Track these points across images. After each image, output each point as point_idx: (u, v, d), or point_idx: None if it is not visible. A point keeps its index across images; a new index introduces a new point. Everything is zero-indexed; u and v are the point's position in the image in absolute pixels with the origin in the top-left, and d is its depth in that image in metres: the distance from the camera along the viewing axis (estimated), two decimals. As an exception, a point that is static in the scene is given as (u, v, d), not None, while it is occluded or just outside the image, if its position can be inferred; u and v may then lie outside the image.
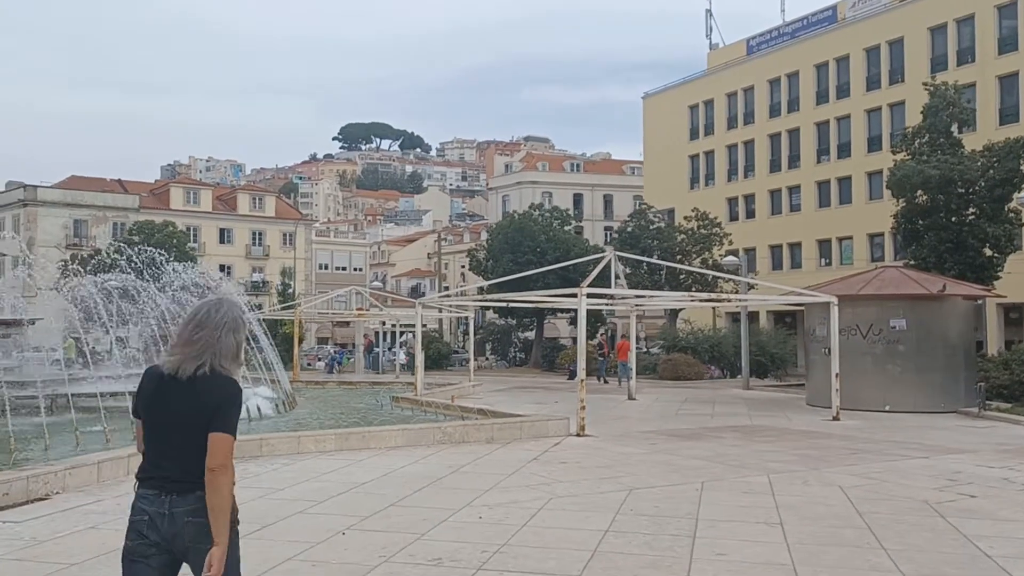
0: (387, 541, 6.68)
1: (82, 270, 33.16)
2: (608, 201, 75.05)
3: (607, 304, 26.53)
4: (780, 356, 34.54)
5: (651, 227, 44.18)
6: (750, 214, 55.91)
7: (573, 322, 34.98)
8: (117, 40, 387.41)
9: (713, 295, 26.05)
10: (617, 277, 19.47)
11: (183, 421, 3.27)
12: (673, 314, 43.95)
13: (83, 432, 12.28)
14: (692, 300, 27.95)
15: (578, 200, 73.44)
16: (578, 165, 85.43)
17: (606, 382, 29.59)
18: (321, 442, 11.56)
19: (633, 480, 9.68)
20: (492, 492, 8.84)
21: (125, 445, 10.98)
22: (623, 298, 21.49)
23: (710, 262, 40.67)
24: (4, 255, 48.79)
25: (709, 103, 59.36)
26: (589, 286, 16.05)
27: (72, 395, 13.56)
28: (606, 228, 65.92)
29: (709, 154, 59.38)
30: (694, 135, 60.68)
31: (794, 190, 53.40)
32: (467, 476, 9.85)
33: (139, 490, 3.37)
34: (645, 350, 44.97)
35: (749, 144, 56.29)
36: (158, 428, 3.34)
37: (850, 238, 49.30)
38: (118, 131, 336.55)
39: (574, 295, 15.43)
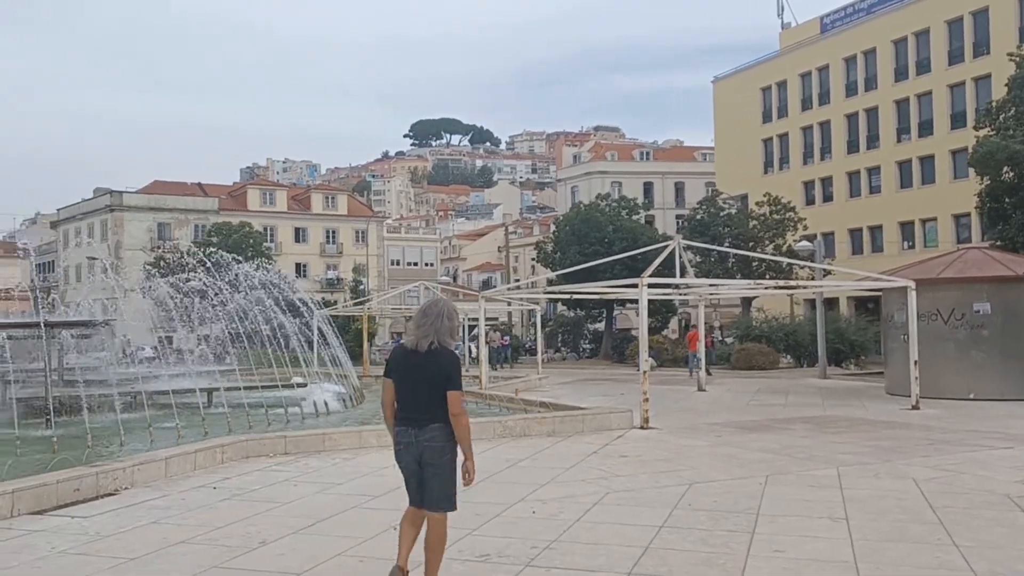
0: (437, 536, 6.65)
1: (164, 269, 34.41)
2: (679, 189, 73.92)
3: (680, 294, 26.03)
4: (860, 343, 33.35)
5: (722, 214, 43.26)
6: (827, 198, 54.20)
7: (649, 312, 34.29)
8: (198, 48, 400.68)
9: (782, 282, 25.24)
10: (684, 266, 19.08)
11: (424, 380, 5.07)
12: (747, 303, 42.99)
13: (157, 428, 12.71)
14: (761, 287, 27.19)
15: (648, 189, 72.55)
16: (648, 153, 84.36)
17: (709, 373, 28.00)
18: (383, 437, 11.59)
19: (694, 474, 9.44)
20: (548, 487, 8.74)
21: (195, 440, 11.34)
22: (687, 287, 21.03)
23: (784, 248, 39.60)
24: (94, 259, 51.05)
25: (782, 84, 57.74)
26: (654, 275, 15.76)
27: (146, 393, 14.04)
28: (677, 216, 64.80)
29: (783, 137, 57.78)
30: (767, 118, 59.14)
31: (873, 171, 51.50)
32: (524, 470, 9.78)
33: (397, 427, 5.23)
34: (720, 339, 44.18)
35: (825, 125, 54.53)
36: (406, 385, 5.16)
37: (934, 220, 47.30)
38: (199, 136, 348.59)
39: (635, 285, 15.15)
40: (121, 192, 64.30)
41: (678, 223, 60.78)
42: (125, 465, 8.97)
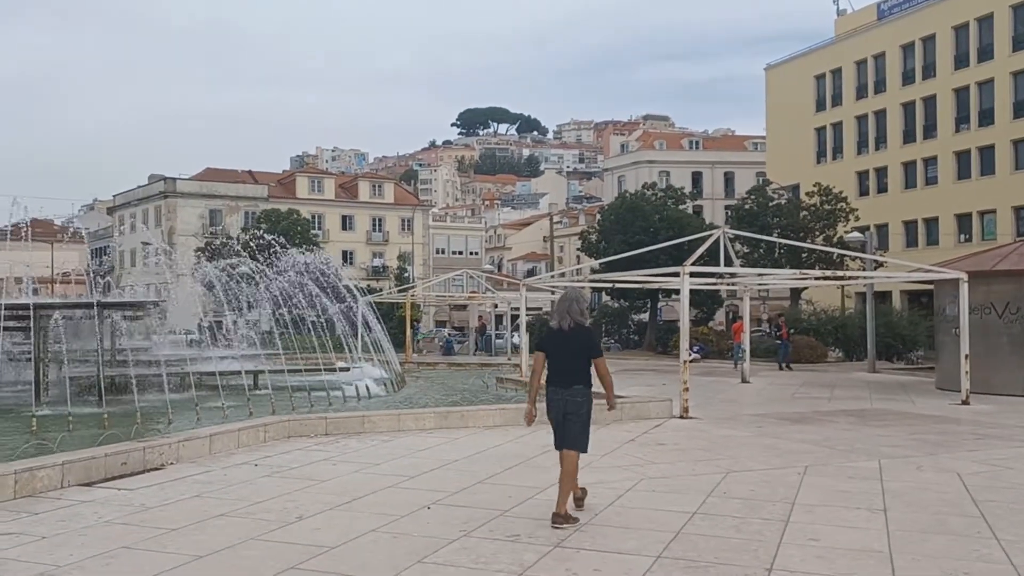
0: (469, 516, 6.73)
1: (214, 255, 35.12)
2: (729, 179, 72.94)
3: (726, 285, 25.67)
4: (911, 337, 32.56)
5: (771, 204, 42.53)
6: (881, 188, 52.94)
7: (692, 303, 33.71)
8: (249, 40, 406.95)
9: (830, 273, 24.71)
10: (730, 255, 18.83)
11: (569, 351, 6.72)
12: (795, 295, 42.28)
13: (203, 408, 13.02)
14: (809, 278, 26.67)
15: (697, 178, 71.72)
16: (697, 142, 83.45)
17: (789, 367, 26.64)
18: (421, 420, 11.78)
19: (731, 463, 9.35)
20: (582, 472, 8.62)
21: (240, 419, 11.59)
22: (732, 277, 20.76)
23: (835, 239, 38.81)
24: (147, 244, 52.33)
25: (837, 72, 56.48)
26: (698, 265, 15.59)
27: (194, 373, 14.38)
28: (727, 207, 63.93)
29: (837, 126, 56.56)
30: (820, 106, 57.93)
31: (930, 162, 50.15)
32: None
33: (548, 387, 6.77)
34: (767, 332, 43.53)
35: (880, 114, 53.21)
36: (557, 355, 6.76)
37: (993, 212, 45.88)
38: (251, 125, 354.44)
39: (678, 274, 15.01)
40: (175, 179, 65.73)
41: (727, 213, 59.98)
42: (171, 441, 9.22)
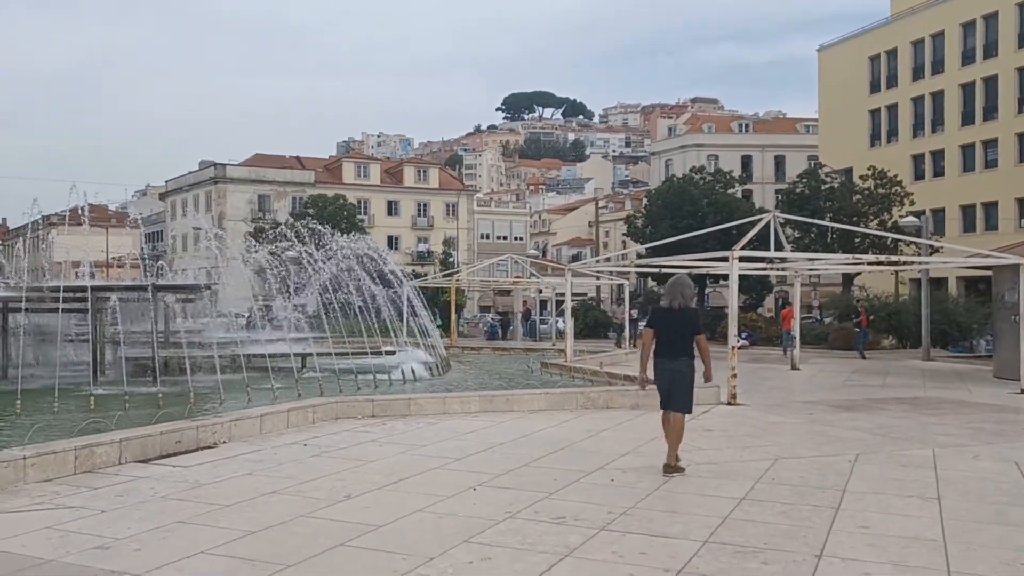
0: (514, 498, 6.75)
1: (263, 239, 35.67)
2: (779, 162, 71.65)
3: (776, 270, 25.26)
4: (968, 325, 31.68)
5: (823, 187, 41.68)
6: (938, 172, 51.49)
7: (741, 289, 32.97)
8: (296, 26, 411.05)
9: (884, 258, 24.14)
10: (780, 240, 18.52)
11: (676, 327, 7.85)
12: (847, 281, 41.46)
13: (253, 389, 13.28)
14: (862, 263, 26.09)
15: (746, 162, 70.61)
16: (747, 125, 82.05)
17: (863, 357, 25.73)
18: (466, 403, 11.85)
19: (780, 450, 9.23)
20: (628, 456, 8.72)
21: (289, 400, 11.79)
22: (783, 262, 20.41)
23: (889, 224, 37.91)
24: (199, 229, 53.38)
25: (892, 53, 54.95)
26: (747, 249, 15.35)
27: (245, 356, 14.66)
28: (777, 191, 62.82)
29: (892, 108, 55.09)
30: (875, 88, 56.47)
31: (990, 144, 48.59)
32: (605, 440, 9.78)
33: (656, 358, 7.91)
34: (817, 319, 42.79)
35: (938, 96, 51.67)
36: (665, 331, 7.88)
37: (1055, 195, 44.37)
38: (298, 111, 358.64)
39: (726, 259, 14.81)
40: (224, 165, 66.87)
41: (777, 197, 58.98)
42: (223, 420, 9.42)
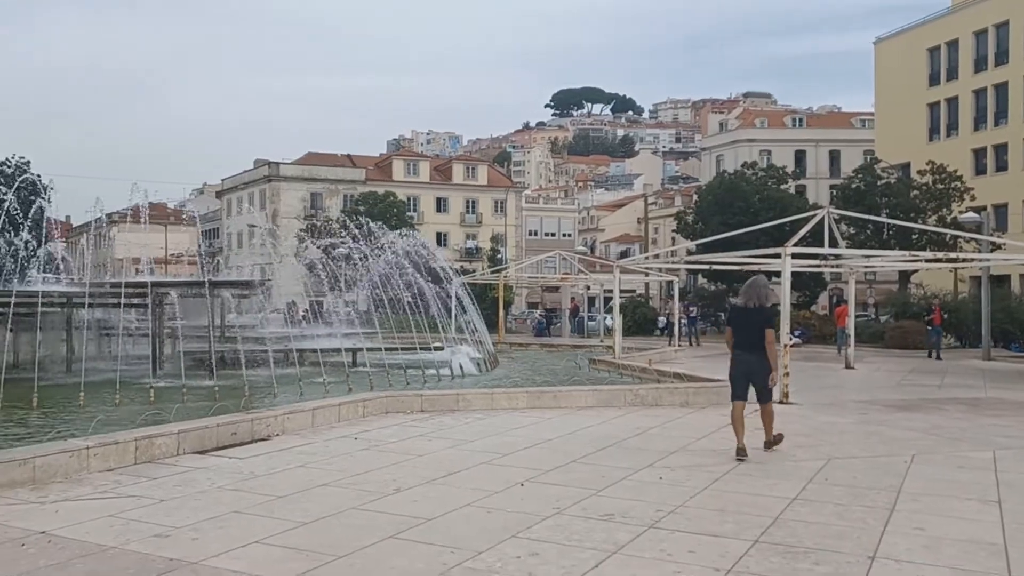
0: (562, 495, 6.76)
1: (315, 237, 36.24)
2: (834, 157, 70.24)
3: (830, 267, 24.76)
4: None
5: (879, 183, 40.71)
6: (1001, 166, 49.83)
7: (795, 286, 32.13)
8: (346, 26, 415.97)
9: (942, 255, 23.49)
10: (834, 236, 18.18)
11: (751, 325, 8.61)
12: (904, 278, 40.46)
13: (306, 383, 13.52)
14: (919, 260, 25.43)
15: (800, 157, 69.38)
16: (800, 120, 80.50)
17: (939, 358, 24.81)
18: (514, 399, 11.89)
19: (833, 450, 9.08)
20: (677, 455, 8.66)
21: (340, 395, 11.97)
22: (837, 258, 20.01)
23: (949, 220, 36.87)
24: (253, 226, 54.43)
25: (953, 44, 53.33)
26: (801, 245, 15.09)
27: (297, 351, 14.92)
28: (832, 186, 61.55)
29: (952, 101, 53.47)
30: (934, 80, 54.87)
31: (1056, 137, 46.88)
32: (653, 438, 9.72)
33: (734, 351, 8.78)
34: (873, 316, 41.87)
35: (1001, 88, 49.97)
36: (741, 328, 8.72)
37: None
38: (349, 109, 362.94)
39: (778, 255, 14.59)
40: (278, 163, 68.06)
41: (832, 193, 57.83)
42: (276, 414, 9.61)
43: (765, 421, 8.94)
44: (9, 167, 45.95)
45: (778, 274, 15.47)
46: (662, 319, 39.05)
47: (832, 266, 23.96)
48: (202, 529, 5.66)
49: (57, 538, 5.40)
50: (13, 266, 17.36)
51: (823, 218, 17.48)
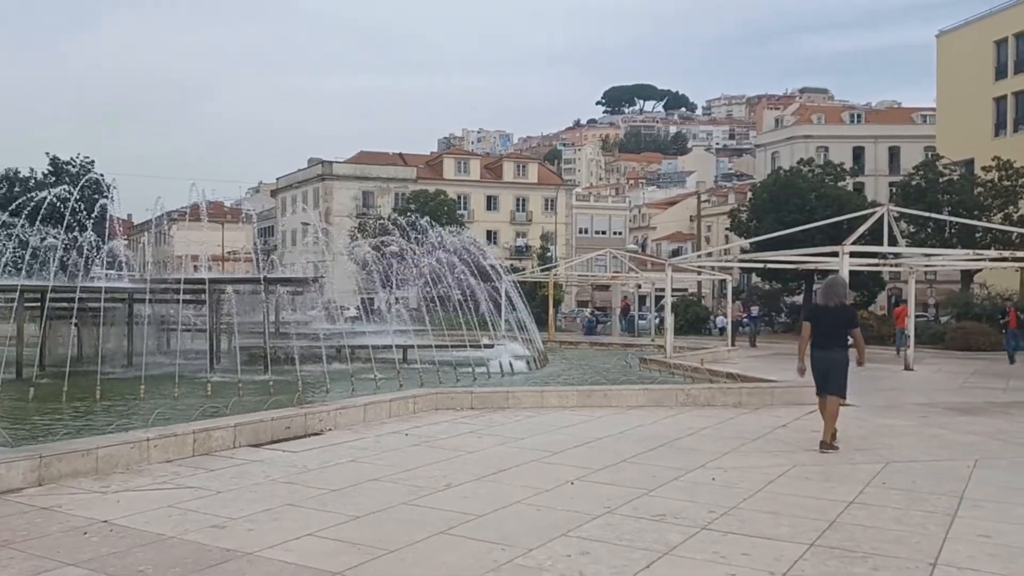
0: (613, 494, 6.71)
1: (367, 235, 36.66)
2: (894, 154, 68.41)
3: (889, 266, 24.16)
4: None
5: (941, 180, 39.57)
6: (1072, 162, 47.97)
7: (852, 286, 31.15)
8: (399, 25, 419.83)
9: (1008, 254, 22.71)
10: (894, 235, 17.73)
11: (831, 322, 8.96)
12: (967, 278, 39.26)
13: (357, 379, 13.68)
14: (981, 259, 24.61)
15: (858, 154, 67.81)
16: (859, 116, 78.67)
17: (1012, 361, 23.26)
18: (563, 398, 11.86)
19: (891, 453, 8.84)
20: (730, 456, 8.53)
21: (391, 391, 12.09)
22: (897, 257, 19.50)
23: (1015, 217, 35.67)
24: (307, 224, 55.27)
25: (1021, 36, 51.42)
26: (858, 244, 14.76)
27: (349, 347, 15.11)
28: (891, 184, 60.05)
29: (1019, 95, 51.57)
30: (1001, 74, 53.01)
31: None
32: (706, 439, 9.60)
33: (813, 349, 9.01)
34: (932, 317, 40.73)
35: (1074, 80, 48.14)
36: (821, 325, 8.99)
37: None
38: (401, 108, 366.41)
39: (835, 254, 14.28)
40: (331, 162, 69.02)
41: (891, 190, 56.41)
42: (329, 409, 9.75)
43: (828, 418, 8.96)
44: (74, 167, 47.38)
45: (835, 272, 15.10)
46: (721, 319, 38.44)
47: (891, 265, 23.39)
48: (257, 521, 5.76)
49: (118, 527, 5.55)
50: (78, 263, 17.92)
51: (882, 216, 17.07)
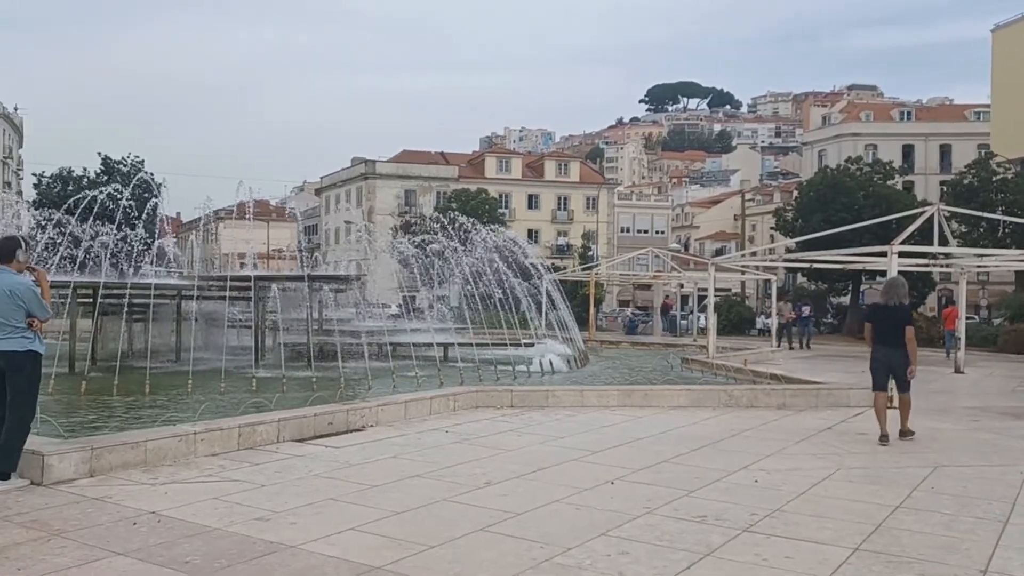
0: (653, 494, 6.67)
1: (409, 233, 36.93)
2: (945, 152, 66.83)
3: (940, 266, 23.57)
4: None
5: (995, 179, 38.58)
6: None
7: None
8: (442, 25, 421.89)
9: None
10: (944, 234, 17.32)
11: (891, 321, 9.50)
12: (1021, 279, 38.22)
13: (399, 376, 13.79)
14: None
15: (908, 152, 66.38)
16: (908, 113, 76.98)
17: None
18: (604, 397, 11.81)
19: (940, 457, 8.64)
20: (773, 458, 8.42)
21: (432, 388, 12.16)
22: (947, 257, 19.04)
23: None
24: (350, 223, 55.88)
25: (1079, 30, 49.93)
26: (907, 244, 14.44)
27: (391, 345, 15.23)
28: (942, 182, 58.67)
29: (1077, 91, 50.00)
30: (1058, 69, 51.40)
31: None
32: (748, 440, 9.48)
33: (875, 346, 9.64)
34: (984, 319, 39.68)
35: None
36: (883, 324, 9.57)
37: None
38: (443, 107, 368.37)
39: (883, 254, 13.99)
40: (374, 161, 69.68)
41: (942, 189, 55.12)
42: (371, 405, 9.85)
43: (903, 410, 9.63)
44: (125, 166, 48.53)
45: (883, 273, 14.82)
46: (768, 320, 37.84)
47: (941, 266, 22.84)
48: (300, 514, 5.85)
49: (166, 518, 5.68)
50: (128, 260, 18.34)
51: (932, 215, 16.69)
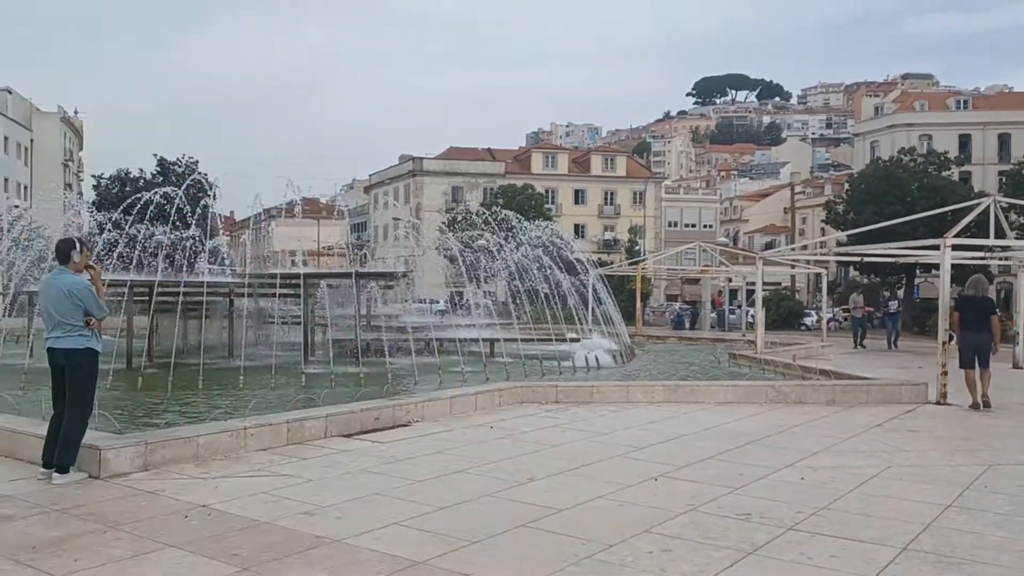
0: (697, 491, 6.64)
1: (456, 230, 37.13)
2: (1004, 141, 64.73)
3: (997, 260, 22.89)
4: None
5: (1056, 167, 37.31)
6: None
7: (957, 280, 28.32)
8: (490, 21, 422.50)
9: None
10: (1002, 227, 16.83)
11: (978, 310, 11.99)
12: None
13: (445, 372, 13.90)
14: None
15: (964, 142, 64.42)
16: (965, 102, 74.70)
17: None
18: (649, 392, 11.76)
19: (995, 455, 8.43)
20: (820, 455, 8.30)
21: (477, 384, 12.23)
22: (1004, 250, 18.50)
23: None
24: (398, 220, 56.40)
25: None
26: (962, 237, 14.06)
27: (437, 340, 15.35)
28: (1000, 173, 56.88)
29: None
30: (1124, 52, 49.51)
31: None
32: (796, 437, 9.36)
33: (963, 332, 11.95)
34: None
35: None
36: (971, 312, 11.93)
37: None
38: (490, 104, 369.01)
39: (936, 247, 13.65)
40: (422, 158, 70.19)
41: (1000, 180, 53.44)
42: (417, 401, 9.96)
43: (984, 381, 11.64)
44: (179, 167, 49.67)
45: (937, 267, 14.46)
46: (814, 319, 37.17)
47: (999, 259, 22.18)
48: (346, 509, 5.96)
49: (216, 512, 5.84)
50: (183, 258, 18.80)
51: (989, 207, 16.22)
